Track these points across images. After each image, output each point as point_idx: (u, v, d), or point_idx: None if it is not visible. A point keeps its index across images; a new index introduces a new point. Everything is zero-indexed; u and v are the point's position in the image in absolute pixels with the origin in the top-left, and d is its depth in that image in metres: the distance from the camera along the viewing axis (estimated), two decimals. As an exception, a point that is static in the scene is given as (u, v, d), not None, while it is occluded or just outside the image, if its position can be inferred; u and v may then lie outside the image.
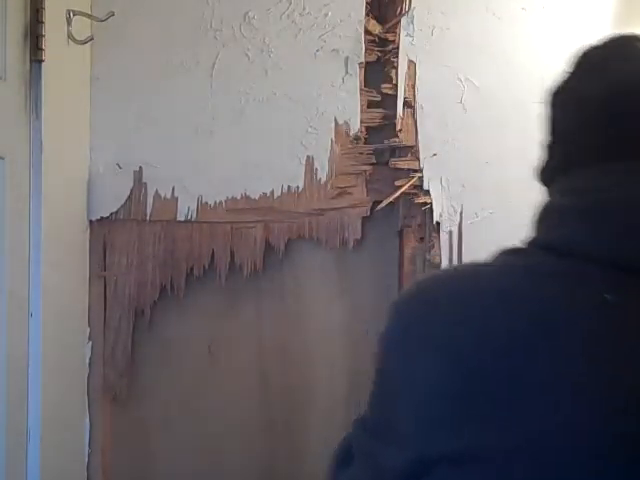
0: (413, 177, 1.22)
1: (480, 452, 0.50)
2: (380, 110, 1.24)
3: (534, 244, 0.60)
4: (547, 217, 0.60)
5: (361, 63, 1.22)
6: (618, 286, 0.52)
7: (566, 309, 0.52)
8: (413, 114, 1.23)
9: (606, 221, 0.54)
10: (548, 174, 0.65)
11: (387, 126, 1.24)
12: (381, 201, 1.22)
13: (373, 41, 1.24)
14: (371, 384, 0.63)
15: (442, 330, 0.55)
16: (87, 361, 1.21)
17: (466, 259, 1.23)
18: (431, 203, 1.22)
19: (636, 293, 0.52)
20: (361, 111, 1.23)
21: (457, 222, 1.23)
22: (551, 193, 0.62)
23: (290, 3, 1.22)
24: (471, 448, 0.50)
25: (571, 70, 0.63)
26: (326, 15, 1.22)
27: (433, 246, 1.23)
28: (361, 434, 0.62)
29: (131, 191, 1.21)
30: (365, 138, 1.24)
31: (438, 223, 1.23)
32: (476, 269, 0.62)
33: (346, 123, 1.23)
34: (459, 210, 1.23)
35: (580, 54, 0.63)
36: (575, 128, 0.61)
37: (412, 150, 1.22)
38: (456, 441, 0.51)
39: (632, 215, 0.53)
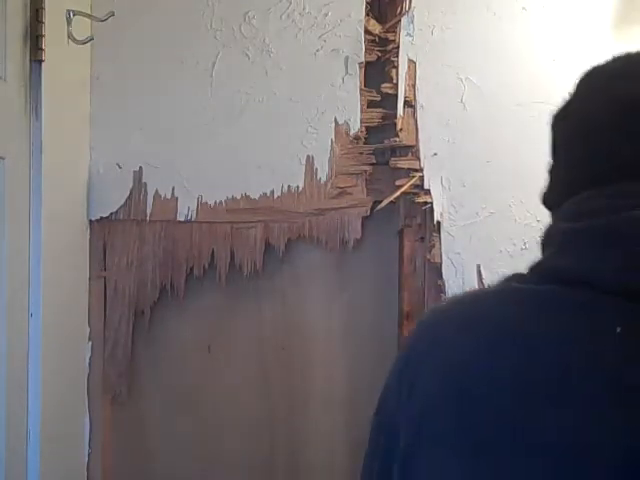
0: (413, 177, 1.22)
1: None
2: (380, 110, 1.24)
3: (538, 270, 0.57)
4: (551, 242, 0.57)
5: (361, 63, 1.22)
6: (630, 318, 0.48)
7: (577, 342, 0.49)
8: (413, 114, 1.23)
9: (618, 246, 0.50)
10: (555, 198, 0.61)
11: (387, 126, 1.23)
12: (381, 201, 1.22)
13: (373, 41, 1.24)
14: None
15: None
16: (87, 361, 1.21)
17: (466, 259, 1.23)
18: (431, 203, 1.22)
19: None
20: (361, 111, 1.23)
21: (457, 221, 1.23)
22: (556, 217, 0.59)
23: (290, 3, 1.22)
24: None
25: (575, 92, 0.61)
26: (326, 15, 1.22)
27: (433, 246, 1.23)
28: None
29: (131, 191, 1.21)
30: (365, 138, 1.24)
31: (438, 223, 1.22)
32: (480, 300, 0.58)
33: (346, 123, 1.23)
34: (459, 210, 1.23)
35: (583, 75, 0.61)
36: (581, 150, 0.58)
37: (412, 150, 1.22)
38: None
39: None
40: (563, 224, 0.56)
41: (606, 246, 0.50)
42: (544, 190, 0.64)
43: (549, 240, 0.57)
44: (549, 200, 0.63)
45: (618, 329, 0.48)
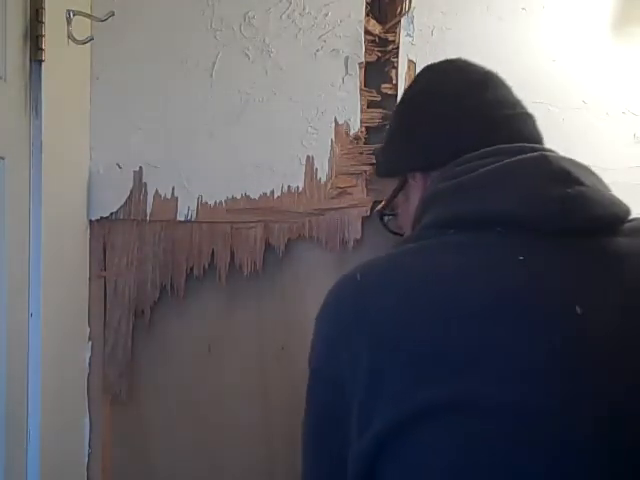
0: (413, 177, 1.22)
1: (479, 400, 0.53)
2: (380, 110, 1.24)
3: (434, 226, 0.63)
4: (441, 198, 0.64)
5: (361, 63, 1.22)
6: (531, 248, 0.57)
7: (486, 270, 0.57)
8: (413, 114, 1.23)
9: (507, 189, 0.60)
10: (420, 164, 0.73)
11: (387, 126, 1.23)
12: (381, 201, 1.22)
13: (373, 41, 1.24)
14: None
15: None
16: (87, 361, 1.21)
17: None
18: (431, 203, 1.22)
19: (547, 253, 0.57)
20: (361, 111, 1.23)
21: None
22: (436, 180, 0.67)
23: (290, 3, 1.22)
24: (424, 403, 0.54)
25: (415, 82, 0.76)
26: (326, 15, 1.22)
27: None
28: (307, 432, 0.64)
29: (131, 191, 1.21)
30: (365, 138, 1.24)
31: (438, 223, 1.23)
32: (398, 254, 0.65)
33: (346, 123, 1.23)
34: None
35: (420, 72, 0.77)
36: (444, 122, 0.71)
37: (412, 150, 1.22)
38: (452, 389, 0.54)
39: (530, 181, 0.59)
40: (452, 182, 0.64)
41: (499, 189, 0.60)
42: (393, 160, 0.75)
43: (438, 198, 0.65)
44: (406, 167, 0.74)
45: (521, 257, 0.56)
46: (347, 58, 1.22)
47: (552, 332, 0.54)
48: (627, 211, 0.64)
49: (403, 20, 1.22)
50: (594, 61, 1.25)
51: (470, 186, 0.63)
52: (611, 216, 0.61)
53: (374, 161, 1.23)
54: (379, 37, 1.24)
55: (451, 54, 1.23)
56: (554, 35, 1.24)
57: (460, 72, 0.77)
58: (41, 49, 1.00)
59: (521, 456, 0.52)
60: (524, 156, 0.63)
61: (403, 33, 1.22)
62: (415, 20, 1.22)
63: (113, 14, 1.11)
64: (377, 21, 1.24)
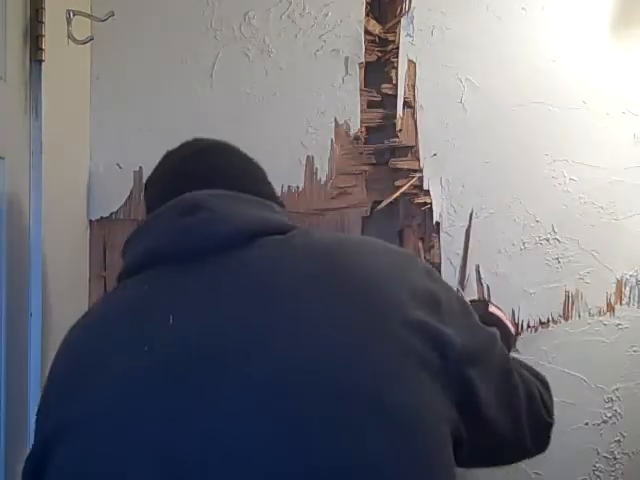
0: (413, 177, 1.22)
1: (69, 423, 0.58)
2: (380, 110, 1.24)
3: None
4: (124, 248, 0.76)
5: (361, 63, 1.22)
6: (159, 275, 0.65)
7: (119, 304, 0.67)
8: (413, 114, 1.23)
9: (149, 231, 0.71)
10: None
11: (387, 126, 1.24)
12: (381, 201, 1.22)
13: (373, 41, 1.24)
14: None
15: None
16: (87, 361, 1.21)
17: (468, 259, 1.23)
18: (431, 203, 1.22)
19: (167, 276, 0.64)
20: (361, 111, 1.23)
21: (457, 222, 1.23)
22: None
23: (290, 3, 1.22)
24: (63, 420, 0.59)
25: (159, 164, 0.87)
26: (326, 15, 1.22)
27: (433, 246, 1.23)
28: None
29: (131, 191, 1.21)
30: (365, 138, 1.24)
31: (438, 223, 1.23)
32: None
33: (346, 123, 1.23)
34: (459, 210, 1.23)
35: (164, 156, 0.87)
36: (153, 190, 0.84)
37: (412, 150, 1.23)
38: (60, 416, 0.60)
39: (165, 219, 0.69)
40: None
41: (139, 241, 0.72)
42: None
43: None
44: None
45: (146, 287, 0.64)
46: (347, 58, 1.23)
47: (147, 341, 0.59)
48: (263, 226, 0.67)
49: (403, 20, 1.22)
50: (594, 61, 1.25)
51: (130, 238, 0.75)
52: (234, 233, 0.64)
53: (374, 161, 1.24)
54: (379, 37, 1.24)
55: (451, 54, 1.23)
56: (554, 35, 1.24)
57: (178, 149, 0.87)
58: (41, 49, 0.99)
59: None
60: (169, 202, 0.70)
61: (403, 33, 1.22)
62: (415, 20, 1.22)
63: (113, 14, 1.10)
64: (377, 21, 1.24)
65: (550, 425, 0.75)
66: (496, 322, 1.12)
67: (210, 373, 0.56)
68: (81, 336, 0.68)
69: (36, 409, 0.66)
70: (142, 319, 0.62)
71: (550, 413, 0.75)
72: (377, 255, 0.67)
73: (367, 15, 1.23)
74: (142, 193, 1.19)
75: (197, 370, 0.56)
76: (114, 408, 0.57)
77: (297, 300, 0.59)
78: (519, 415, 0.70)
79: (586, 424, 1.25)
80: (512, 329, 1.16)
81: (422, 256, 1.23)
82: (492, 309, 1.15)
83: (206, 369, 0.56)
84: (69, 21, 1.06)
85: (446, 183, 1.23)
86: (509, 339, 1.14)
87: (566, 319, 1.25)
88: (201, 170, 0.79)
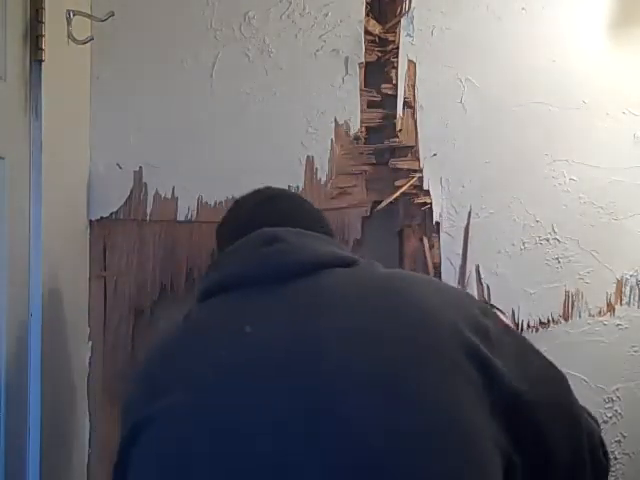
0: (413, 177, 1.22)
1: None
2: (380, 110, 1.24)
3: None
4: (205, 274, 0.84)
5: (361, 63, 1.22)
6: (246, 298, 0.72)
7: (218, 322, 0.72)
8: (413, 114, 1.23)
9: (232, 258, 0.78)
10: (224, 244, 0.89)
11: (387, 126, 1.24)
12: (381, 201, 1.22)
13: (373, 41, 1.24)
14: None
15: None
16: (87, 361, 1.21)
17: (467, 259, 1.23)
18: (431, 203, 1.22)
19: (254, 298, 0.71)
20: (361, 111, 1.23)
21: (457, 222, 1.23)
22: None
23: (290, 3, 1.22)
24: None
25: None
26: (326, 15, 1.23)
27: (433, 246, 1.23)
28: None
29: (131, 191, 1.21)
30: (365, 138, 1.24)
31: (438, 223, 1.23)
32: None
33: (346, 123, 1.23)
34: (459, 210, 1.23)
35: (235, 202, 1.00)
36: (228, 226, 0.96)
37: (412, 150, 1.23)
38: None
39: (247, 248, 0.77)
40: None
41: (228, 264, 0.79)
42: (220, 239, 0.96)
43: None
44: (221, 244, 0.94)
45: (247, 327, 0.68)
46: (347, 58, 1.23)
47: (221, 347, 0.67)
48: (332, 258, 0.75)
49: (403, 20, 1.22)
50: (594, 61, 1.25)
51: (216, 262, 0.84)
52: (306, 263, 0.73)
53: (374, 161, 1.24)
54: (379, 37, 1.24)
55: (451, 54, 1.23)
56: (554, 35, 1.24)
57: (252, 195, 0.98)
58: (41, 49, 0.99)
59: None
60: (250, 234, 0.80)
61: (403, 33, 1.22)
62: (415, 20, 1.22)
63: (113, 14, 1.11)
64: (377, 21, 1.24)
65: (607, 469, 0.75)
66: None
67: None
68: (178, 340, 0.74)
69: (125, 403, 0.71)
70: (233, 329, 0.69)
71: (607, 457, 0.75)
72: (436, 290, 0.73)
73: (367, 15, 1.23)
74: (141, 193, 1.21)
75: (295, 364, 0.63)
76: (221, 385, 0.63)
77: (362, 319, 0.66)
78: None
79: (586, 424, 1.25)
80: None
81: (422, 256, 1.23)
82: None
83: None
84: (69, 21, 1.06)
85: (446, 183, 1.23)
86: None
87: (566, 319, 1.25)
88: (273, 213, 0.90)
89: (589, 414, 0.76)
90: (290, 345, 0.64)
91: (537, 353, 0.73)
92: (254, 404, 0.60)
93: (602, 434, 0.73)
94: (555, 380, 0.72)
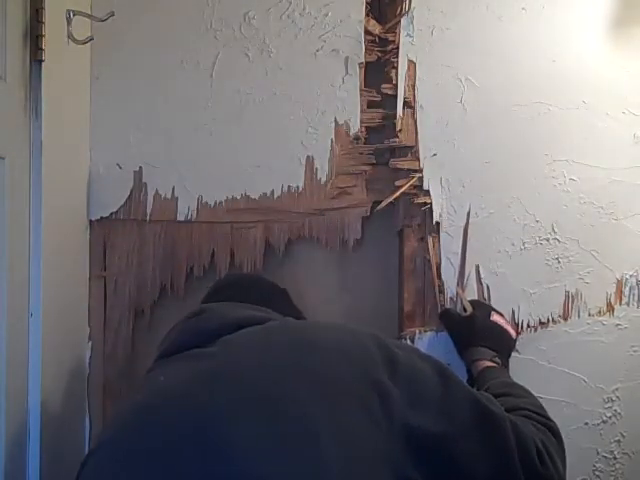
0: (413, 177, 1.22)
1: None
2: (380, 110, 1.24)
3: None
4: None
5: (361, 63, 1.22)
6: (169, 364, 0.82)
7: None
8: (413, 114, 1.23)
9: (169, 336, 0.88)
10: None
11: (387, 126, 1.24)
12: (381, 201, 1.22)
13: (373, 41, 1.24)
14: None
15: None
16: (87, 361, 1.21)
17: (467, 259, 1.23)
18: (431, 203, 1.22)
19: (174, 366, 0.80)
20: (361, 111, 1.23)
21: (456, 222, 1.23)
22: None
23: (290, 3, 1.22)
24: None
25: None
26: (326, 15, 1.22)
27: (433, 246, 1.23)
28: None
29: (131, 191, 1.21)
30: (365, 138, 1.24)
31: (438, 223, 1.23)
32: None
33: (346, 123, 1.23)
34: (458, 210, 1.23)
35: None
36: None
37: (412, 150, 1.23)
38: None
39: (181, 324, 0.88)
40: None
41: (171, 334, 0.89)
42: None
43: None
44: None
45: (161, 378, 0.79)
46: (347, 58, 1.23)
47: (140, 393, 0.80)
48: (244, 319, 0.84)
49: (403, 20, 1.22)
50: (594, 61, 1.25)
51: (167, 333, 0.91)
52: (219, 326, 0.82)
53: (374, 161, 1.24)
54: (379, 37, 1.24)
55: (451, 54, 1.23)
56: (554, 35, 1.24)
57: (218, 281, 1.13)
58: (41, 49, 1.00)
59: None
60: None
61: (403, 33, 1.22)
62: (415, 20, 1.22)
63: (113, 14, 1.11)
64: (377, 21, 1.24)
65: (549, 474, 0.78)
66: (500, 332, 1.13)
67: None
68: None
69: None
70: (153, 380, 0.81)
71: (547, 464, 0.78)
72: (343, 334, 0.81)
73: (367, 15, 1.23)
74: (141, 193, 1.21)
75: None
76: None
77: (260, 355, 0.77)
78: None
79: (586, 424, 1.25)
80: (513, 334, 1.17)
81: (422, 256, 1.23)
82: (495, 318, 1.15)
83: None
84: (69, 21, 1.06)
85: (446, 183, 1.23)
86: (510, 345, 1.15)
87: (566, 319, 1.25)
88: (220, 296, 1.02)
89: (541, 420, 0.82)
90: (190, 380, 0.74)
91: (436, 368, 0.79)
92: (156, 428, 0.70)
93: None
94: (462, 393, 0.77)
